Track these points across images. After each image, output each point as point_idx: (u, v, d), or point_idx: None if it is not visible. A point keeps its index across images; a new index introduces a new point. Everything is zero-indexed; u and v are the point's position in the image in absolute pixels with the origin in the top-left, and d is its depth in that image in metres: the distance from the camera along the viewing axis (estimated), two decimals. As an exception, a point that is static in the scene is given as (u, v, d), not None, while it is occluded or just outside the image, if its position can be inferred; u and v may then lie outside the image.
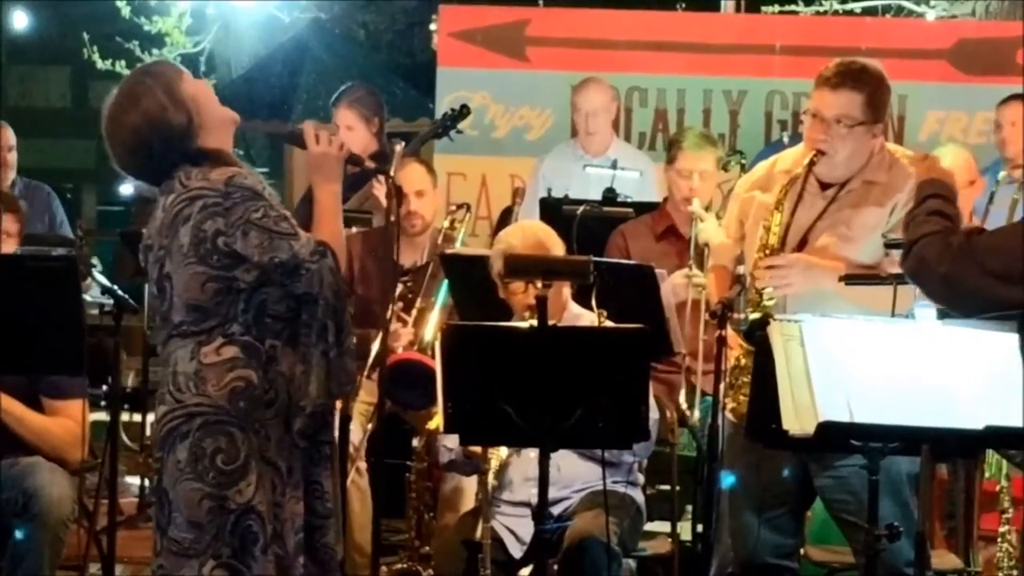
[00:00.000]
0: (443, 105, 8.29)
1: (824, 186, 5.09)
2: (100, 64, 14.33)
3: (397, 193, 4.95)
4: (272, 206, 4.21)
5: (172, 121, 4.26)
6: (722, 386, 4.97)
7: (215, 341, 4.20)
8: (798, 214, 5.04)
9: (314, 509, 4.31)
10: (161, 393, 4.26)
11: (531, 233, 5.57)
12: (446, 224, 6.74)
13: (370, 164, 4.81)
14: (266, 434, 4.21)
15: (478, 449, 5.26)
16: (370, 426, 6.24)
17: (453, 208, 6.89)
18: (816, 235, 5.05)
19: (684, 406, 6.03)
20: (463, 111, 6.95)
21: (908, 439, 4.23)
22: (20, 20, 16.99)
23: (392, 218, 4.95)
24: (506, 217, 7.35)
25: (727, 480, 5.00)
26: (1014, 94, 7.84)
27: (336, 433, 5.07)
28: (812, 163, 5.00)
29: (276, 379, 4.23)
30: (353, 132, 7.38)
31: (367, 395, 6.17)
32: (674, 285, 6.28)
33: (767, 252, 4.98)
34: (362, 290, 6.59)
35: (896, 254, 4.84)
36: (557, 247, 5.51)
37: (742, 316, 4.96)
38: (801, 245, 5.05)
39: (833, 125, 4.98)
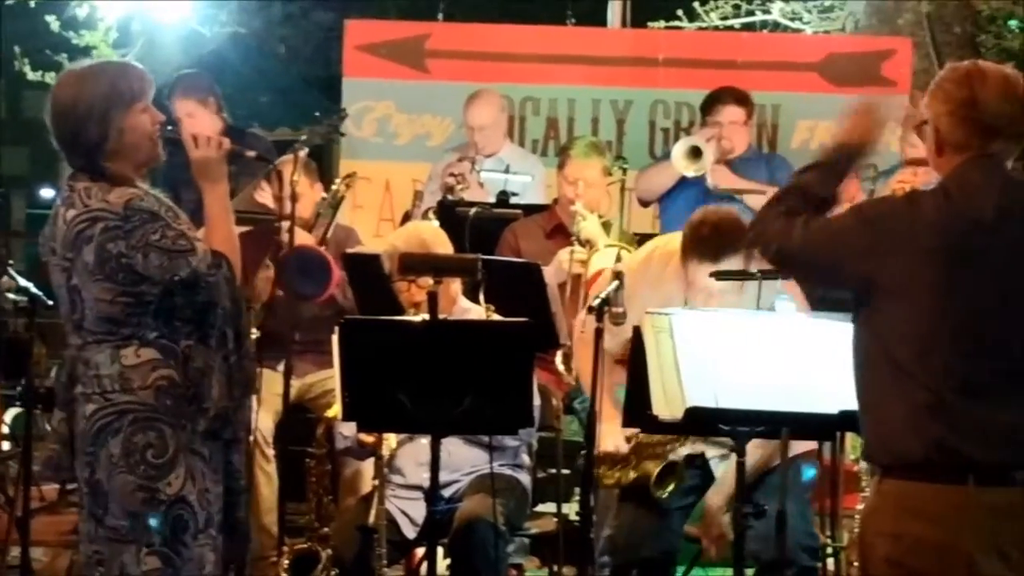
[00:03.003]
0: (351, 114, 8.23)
1: None
2: (31, 76, 14.12)
3: (283, 185, 4.93)
4: (169, 225, 4.15)
5: (85, 131, 4.17)
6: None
7: (132, 345, 4.16)
8: None
9: (230, 488, 4.31)
10: (86, 393, 4.17)
11: (415, 234, 5.56)
12: (335, 187, 6.65)
13: (251, 153, 4.70)
14: (191, 428, 4.19)
15: (370, 438, 5.24)
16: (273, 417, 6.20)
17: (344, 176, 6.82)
18: None
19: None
20: (340, 113, 6.86)
21: (769, 423, 4.26)
22: (-47, 34, 16.74)
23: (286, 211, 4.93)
24: (408, 220, 7.32)
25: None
26: None
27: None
28: None
29: (194, 376, 4.19)
30: (195, 118, 7.08)
31: (275, 385, 6.10)
32: (559, 262, 6.37)
33: None
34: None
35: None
36: (442, 246, 5.49)
37: (621, 310, 4.96)
38: None
39: None
